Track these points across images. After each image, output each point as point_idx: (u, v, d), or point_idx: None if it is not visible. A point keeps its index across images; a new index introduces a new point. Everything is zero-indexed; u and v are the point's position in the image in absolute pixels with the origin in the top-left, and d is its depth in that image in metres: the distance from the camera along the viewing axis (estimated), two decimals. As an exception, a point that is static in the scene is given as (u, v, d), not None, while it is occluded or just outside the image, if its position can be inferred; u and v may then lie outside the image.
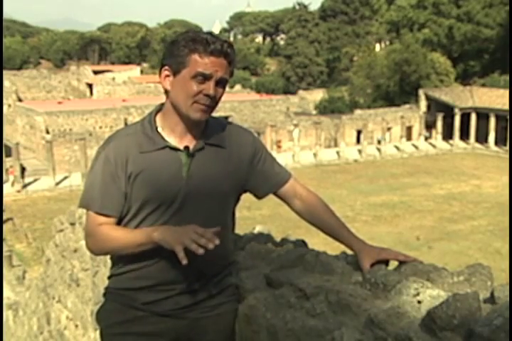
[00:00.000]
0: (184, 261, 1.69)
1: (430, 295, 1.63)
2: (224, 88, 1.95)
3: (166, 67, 1.93)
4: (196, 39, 1.87)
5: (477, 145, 48.07)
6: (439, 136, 49.68)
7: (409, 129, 50.30)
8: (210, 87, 1.87)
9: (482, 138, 47.73)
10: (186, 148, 1.96)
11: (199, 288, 2.04)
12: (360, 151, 45.68)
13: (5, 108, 50.94)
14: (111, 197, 1.95)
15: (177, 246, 1.72)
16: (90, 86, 61.29)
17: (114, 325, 2.06)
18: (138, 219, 1.98)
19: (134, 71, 74.93)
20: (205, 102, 1.89)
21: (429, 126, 50.61)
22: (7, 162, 36.44)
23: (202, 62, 1.86)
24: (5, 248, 22.69)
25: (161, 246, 1.81)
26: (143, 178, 1.94)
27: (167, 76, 1.94)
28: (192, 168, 1.96)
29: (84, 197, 2.01)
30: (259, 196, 2.20)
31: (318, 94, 68.74)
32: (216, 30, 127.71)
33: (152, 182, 1.93)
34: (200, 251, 1.69)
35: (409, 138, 50.09)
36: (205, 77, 1.87)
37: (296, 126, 44.32)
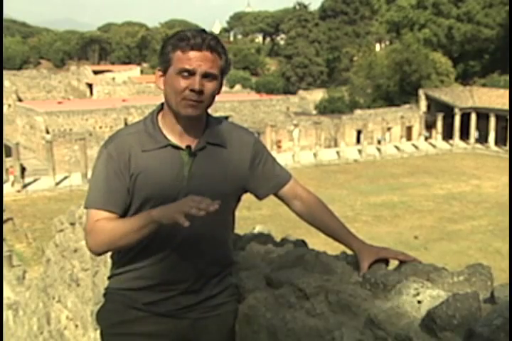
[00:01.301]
0: (186, 223, 1.65)
1: (430, 295, 1.63)
2: (214, 82, 1.92)
3: (159, 68, 1.97)
4: (179, 36, 1.89)
5: (477, 145, 48.08)
6: (439, 136, 49.68)
7: (409, 129, 50.31)
8: (195, 82, 1.87)
9: (482, 138, 47.75)
10: (188, 147, 1.96)
11: (199, 288, 2.03)
12: (360, 151, 45.67)
13: (5, 108, 50.94)
14: (115, 193, 1.94)
15: (177, 215, 1.67)
16: (90, 86, 61.29)
17: (114, 325, 2.06)
18: (138, 218, 1.97)
19: (134, 71, 74.92)
20: (192, 97, 1.89)
21: (429, 126, 50.62)
22: (7, 162, 36.44)
23: (184, 58, 1.87)
24: (5, 248, 22.69)
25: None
26: (145, 177, 1.93)
27: (160, 76, 1.97)
28: (193, 167, 1.96)
29: (88, 196, 1.99)
30: (259, 197, 2.21)
31: (318, 94, 68.70)
32: (216, 30, 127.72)
33: (154, 181, 1.93)
34: (201, 212, 1.65)
35: (409, 138, 50.10)
36: (189, 72, 1.87)
37: (296, 126, 44.31)
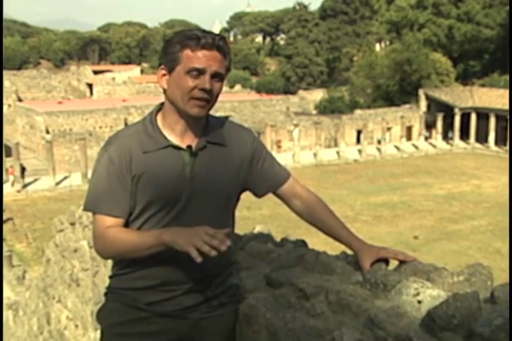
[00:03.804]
0: (199, 259, 1.65)
1: (430, 295, 1.63)
2: (221, 82, 1.92)
3: (162, 67, 1.93)
4: (187, 35, 1.87)
5: (477, 145, 48.09)
6: (439, 136, 49.69)
7: (409, 129, 50.32)
8: (205, 81, 1.85)
9: (482, 138, 47.74)
10: (189, 147, 1.95)
11: (202, 289, 2.03)
12: (360, 151, 45.67)
13: (5, 108, 50.95)
14: (118, 198, 1.93)
15: (189, 248, 1.67)
16: (90, 86, 61.30)
17: (115, 325, 2.05)
18: (141, 220, 1.96)
19: (134, 71, 74.92)
20: (201, 96, 1.87)
21: (429, 126, 50.64)
22: (7, 162, 36.44)
23: (194, 57, 1.85)
24: (5, 248, 22.71)
25: (167, 247, 1.79)
26: (147, 179, 1.92)
27: (163, 75, 1.94)
28: (195, 167, 1.95)
29: (89, 199, 1.98)
30: (258, 195, 2.20)
31: (318, 94, 68.70)
32: (216, 30, 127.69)
33: (156, 183, 1.92)
34: (213, 253, 1.65)
35: (409, 138, 50.11)
36: (199, 72, 1.85)
37: (296, 126, 44.31)
